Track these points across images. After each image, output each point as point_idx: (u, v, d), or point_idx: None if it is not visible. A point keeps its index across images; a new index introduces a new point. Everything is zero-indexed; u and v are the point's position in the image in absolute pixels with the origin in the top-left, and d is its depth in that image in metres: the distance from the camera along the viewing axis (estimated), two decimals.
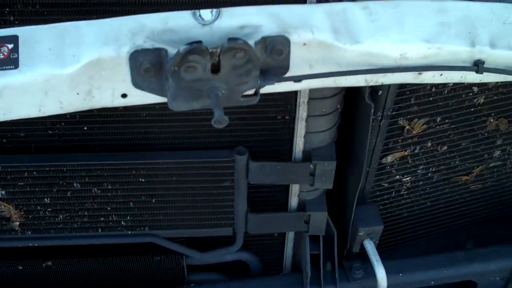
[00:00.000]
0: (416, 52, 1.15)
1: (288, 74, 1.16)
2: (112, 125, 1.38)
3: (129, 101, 1.14)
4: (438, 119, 1.53)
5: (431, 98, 1.47)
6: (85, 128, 1.38)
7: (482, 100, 1.53)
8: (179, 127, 1.40)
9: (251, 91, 1.14)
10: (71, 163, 1.40)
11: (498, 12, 1.21)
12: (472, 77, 1.20)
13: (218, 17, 1.10)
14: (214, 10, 1.11)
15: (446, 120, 1.54)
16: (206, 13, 1.10)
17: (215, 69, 1.06)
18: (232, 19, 1.11)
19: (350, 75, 1.16)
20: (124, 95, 1.13)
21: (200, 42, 1.03)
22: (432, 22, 1.16)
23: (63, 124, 1.37)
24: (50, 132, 1.38)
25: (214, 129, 1.41)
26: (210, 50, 1.04)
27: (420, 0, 1.19)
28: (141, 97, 1.14)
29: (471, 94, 1.50)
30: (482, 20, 1.19)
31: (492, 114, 1.59)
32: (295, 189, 1.52)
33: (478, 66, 1.17)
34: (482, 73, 1.17)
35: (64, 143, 1.41)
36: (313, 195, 1.55)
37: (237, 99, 1.13)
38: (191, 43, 1.03)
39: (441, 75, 1.19)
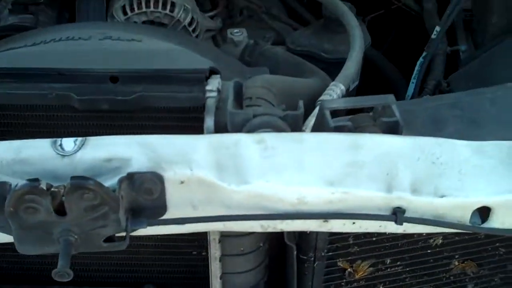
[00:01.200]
0: (316, 196, 0.95)
1: (168, 215, 0.98)
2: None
3: None
4: (388, 261, 1.30)
5: (374, 239, 1.25)
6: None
7: (440, 241, 1.30)
8: (84, 259, 1.24)
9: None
10: None
11: (427, 149, 1.00)
12: (393, 227, 0.99)
13: (82, 147, 0.95)
14: (79, 139, 0.96)
15: (398, 263, 1.31)
16: (69, 143, 0.95)
17: (61, 210, 0.90)
18: (97, 150, 0.95)
19: (240, 220, 0.97)
20: None
21: (37, 180, 0.86)
22: (340, 160, 0.97)
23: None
24: None
25: (123, 263, 1.26)
26: (52, 189, 0.88)
27: (334, 133, 1.01)
28: None
29: (424, 234, 1.28)
30: (406, 159, 0.99)
31: (456, 257, 1.35)
32: None
33: (396, 215, 0.96)
34: (401, 224, 0.96)
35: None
36: None
37: (98, 244, 0.94)
38: (28, 180, 0.87)
39: (353, 223, 0.99)
